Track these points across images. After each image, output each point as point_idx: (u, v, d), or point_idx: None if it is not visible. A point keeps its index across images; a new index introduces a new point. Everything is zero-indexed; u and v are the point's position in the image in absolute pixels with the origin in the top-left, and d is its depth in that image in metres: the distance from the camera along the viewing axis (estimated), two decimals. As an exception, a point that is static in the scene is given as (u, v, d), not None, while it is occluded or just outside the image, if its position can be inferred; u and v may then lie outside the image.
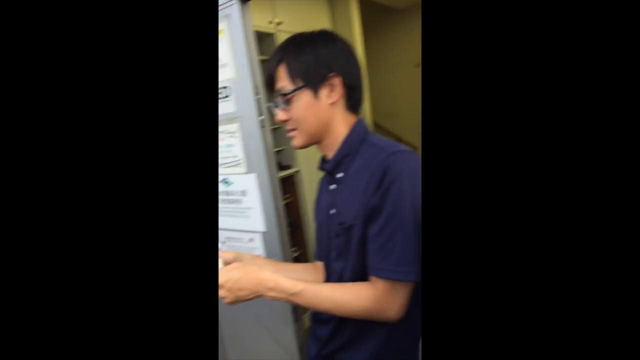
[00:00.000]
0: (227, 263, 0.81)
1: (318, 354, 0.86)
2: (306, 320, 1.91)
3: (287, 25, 2.24)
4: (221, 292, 0.74)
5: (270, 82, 0.80)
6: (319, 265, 0.90)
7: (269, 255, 1.49)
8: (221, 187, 1.53)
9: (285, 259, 1.47)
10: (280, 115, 0.79)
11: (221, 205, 1.55)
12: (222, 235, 1.63)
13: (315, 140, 0.80)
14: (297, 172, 2.33)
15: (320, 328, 0.85)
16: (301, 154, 2.35)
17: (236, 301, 0.74)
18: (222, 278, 0.73)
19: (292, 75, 0.74)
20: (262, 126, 1.33)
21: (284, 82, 0.76)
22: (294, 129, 0.79)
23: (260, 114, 1.33)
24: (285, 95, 0.75)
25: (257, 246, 1.51)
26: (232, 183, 1.50)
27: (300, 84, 0.73)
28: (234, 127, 1.40)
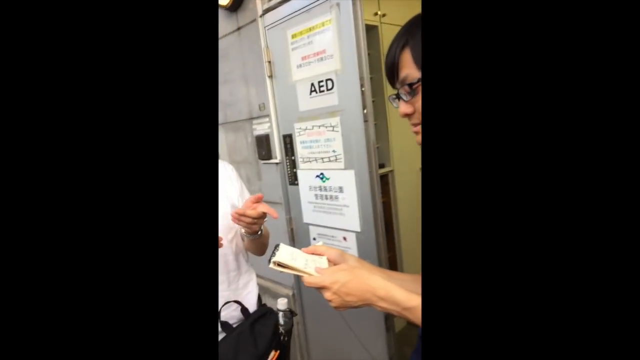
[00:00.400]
0: (331, 261, 0.75)
1: None
2: (397, 324, 1.80)
3: (391, 17, 2.14)
4: (327, 295, 0.66)
5: (391, 72, 0.70)
6: None
7: (362, 256, 1.42)
8: (317, 182, 1.50)
9: (380, 261, 1.39)
10: (404, 108, 0.69)
11: (316, 201, 1.53)
12: (314, 231, 1.60)
13: None
14: (391, 171, 2.22)
15: None
16: (396, 153, 2.24)
17: (342, 307, 0.66)
18: (329, 279, 0.65)
19: (420, 61, 0.65)
20: (365, 120, 1.27)
21: (408, 69, 0.66)
22: (419, 124, 0.70)
23: (364, 108, 1.26)
24: (411, 85, 0.66)
25: (350, 245, 1.46)
26: (328, 179, 1.46)
27: None
28: (335, 120, 1.36)
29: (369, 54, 1.27)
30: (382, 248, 1.37)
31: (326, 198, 1.48)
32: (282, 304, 0.86)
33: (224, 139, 2.01)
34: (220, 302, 0.99)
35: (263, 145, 1.69)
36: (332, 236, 1.51)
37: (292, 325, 0.93)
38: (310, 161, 1.51)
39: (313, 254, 0.77)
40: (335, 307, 0.67)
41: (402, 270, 2.32)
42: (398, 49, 0.67)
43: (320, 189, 1.50)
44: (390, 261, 2.19)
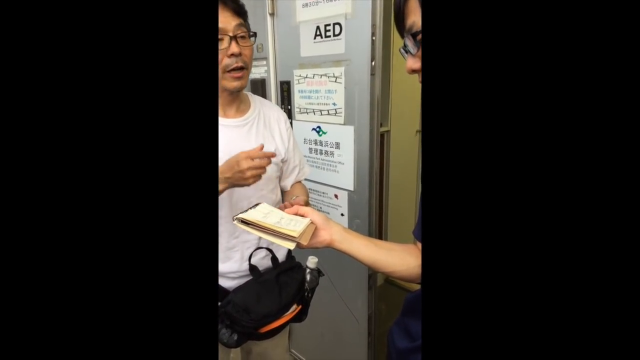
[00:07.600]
0: (314, 225, 0.69)
1: None
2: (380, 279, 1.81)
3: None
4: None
5: (398, 20, 0.59)
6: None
7: (352, 215, 1.39)
8: (313, 136, 1.42)
9: (370, 223, 1.35)
10: (410, 62, 0.56)
11: (310, 155, 1.46)
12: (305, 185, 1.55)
13: None
14: (387, 131, 2.15)
15: None
16: (395, 113, 2.16)
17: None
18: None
19: None
20: (372, 73, 1.17)
21: (415, 16, 0.54)
22: None
23: (373, 59, 1.16)
24: (415, 35, 0.53)
25: (341, 204, 1.41)
26: (325, 133, 1.38)
27: None
28: (339, 70, 1.26)
29: None
30: (374, 209, 1.33)
31: (321, 153, 1.41)
32: (312, 262, 0.82)
33: (216, 80, 1.88)
34: (253, 248, 0.98)
35: (258, 90, 1.59)
36: (323, 192, 1.46)
37: (317, 284, 0.92)
38: (307, 112, 1.42)
39: (296, 214, 0.71)
40: None
41: (385, 235, 2.32)
42: None
43: (316, 143, 1.43)
44: (378, 223, 2.18)
